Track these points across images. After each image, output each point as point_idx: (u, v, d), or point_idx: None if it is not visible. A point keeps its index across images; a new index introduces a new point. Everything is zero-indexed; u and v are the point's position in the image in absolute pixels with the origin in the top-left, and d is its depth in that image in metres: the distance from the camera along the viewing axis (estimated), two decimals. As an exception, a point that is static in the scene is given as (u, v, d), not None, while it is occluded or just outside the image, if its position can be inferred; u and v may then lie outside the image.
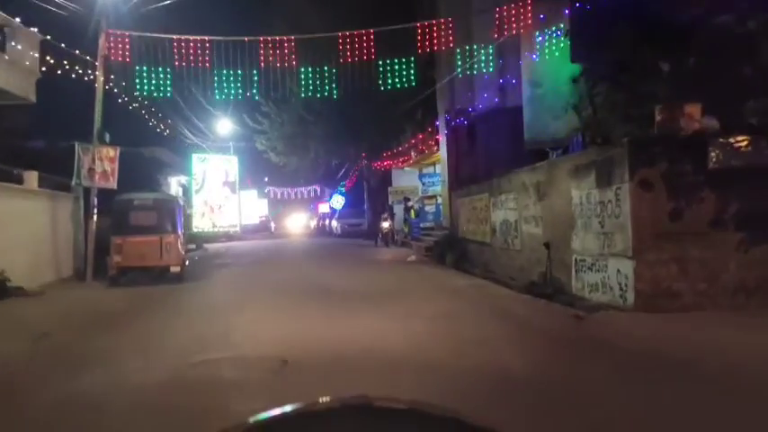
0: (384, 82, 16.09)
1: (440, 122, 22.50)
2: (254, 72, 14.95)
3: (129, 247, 12.68)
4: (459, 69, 17.45)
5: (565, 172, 11.03)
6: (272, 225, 63.40)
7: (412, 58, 15.94)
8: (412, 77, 16.34)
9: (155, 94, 14.47)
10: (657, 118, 8.93)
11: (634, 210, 8.78)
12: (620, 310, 8.78)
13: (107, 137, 14.23)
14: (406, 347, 6.46)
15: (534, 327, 7.77)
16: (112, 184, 14.24)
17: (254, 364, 5.95)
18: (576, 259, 10.62)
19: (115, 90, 24.93)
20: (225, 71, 14.63)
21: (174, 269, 13.06)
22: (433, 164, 28.90)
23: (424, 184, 29.22)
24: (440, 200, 27.26)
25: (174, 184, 38.29)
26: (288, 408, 0.93)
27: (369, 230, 32.96)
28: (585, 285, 10.25)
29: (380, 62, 15.73)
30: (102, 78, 13.91)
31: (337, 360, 5.74)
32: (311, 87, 16.18)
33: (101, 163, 13.79)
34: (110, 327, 8.23)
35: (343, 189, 53.79)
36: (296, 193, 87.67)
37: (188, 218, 35.79)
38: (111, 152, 14.14)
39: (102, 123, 14.10)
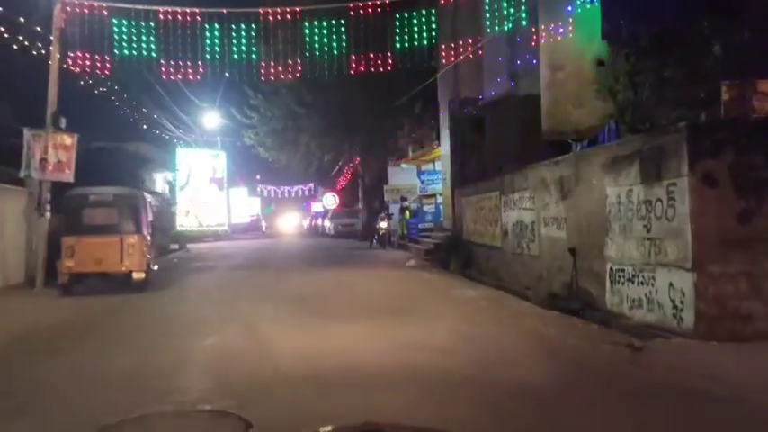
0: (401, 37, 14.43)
1: (442, 114, 20.81)
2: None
3: (82, 249, 10.91)
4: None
5: (597, 165, 9.32)
6: (264, 224, 61.58)
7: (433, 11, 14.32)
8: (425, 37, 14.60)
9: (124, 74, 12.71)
10: (724, 97, 7.21)
11: (695, 210, 7.08)
12: (676, 333, 7.09)
13: (63, 122, 12.43)
14: (422, 401, 4.72)
15: (579, 362, 6.05)
16: (69, 176, 12.44)
17: (200, 426, 4.21)
18: (611, 269, 8.92)
19: (89, 81, 23.27)
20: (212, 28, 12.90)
21: (138, 275, 11.26)
22: (433, 160, 27.17)
23: (422, 182, 27.51)
24: (440, 199, 25.57)
25: (160, 181, 36.51)
26: None
27: (363, 231, 31.24)
28: (624, 300, 8.55)
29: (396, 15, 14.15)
30: (57, 55, 12.13)
31: (329, 421, 3.95)
32: (316, 44, 14.43)
33: (55, 152, 12.01)
34: (30, 358, 6.45)
35: (337, 187, 52.09)
36: (288, 192, 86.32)
37: (171, 216, 34.01)
38: (68, 140, 12.34)
39: (58, 106, 12.28)
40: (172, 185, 33.84)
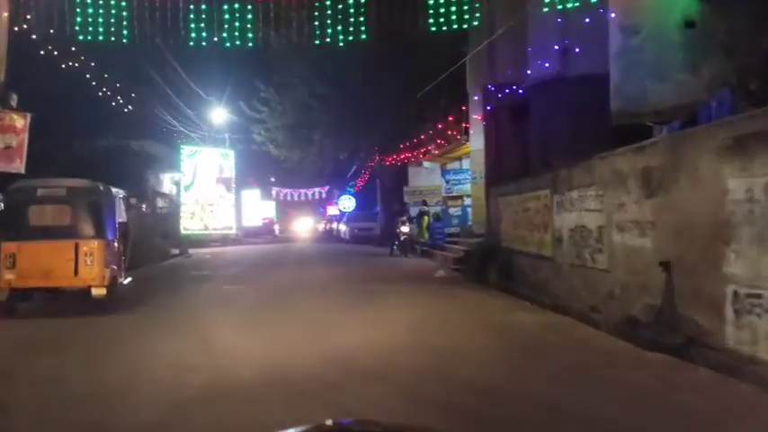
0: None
1: (473, 104, 18.35)
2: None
3: (26, 257, 8.61)
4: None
5: (710, 150, 6.82)
6: (277, 228, 59.32)
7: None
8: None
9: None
10: None
11: None
12: None
13: (14, 99, 10.13)
14: None
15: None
16: (19, 166, 10.16)
17: None
18: (735, 292, 6.42)
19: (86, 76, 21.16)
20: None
21: (97, 291, 8.86)
22: (460, 158, 24.69)
23: (447, 182, 25.03)
24: (467, 200, 23.10)
25: (168, 182, 34.44)
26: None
27: (382, 236, 28.83)
28: (761, 338, 6.02)
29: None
30: (5, 14, 9.85)
31: None
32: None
33: (1, 136, 9.72)
34: None
35: (353, 189, 49.70)
36: (303, 195, 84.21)
37: (175, 219, 31.86)
38: (19, 121, 10.05)
39: (7, 75, 9.95)
40: (178, 186, 31.67)
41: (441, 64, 18.97)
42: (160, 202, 33.46)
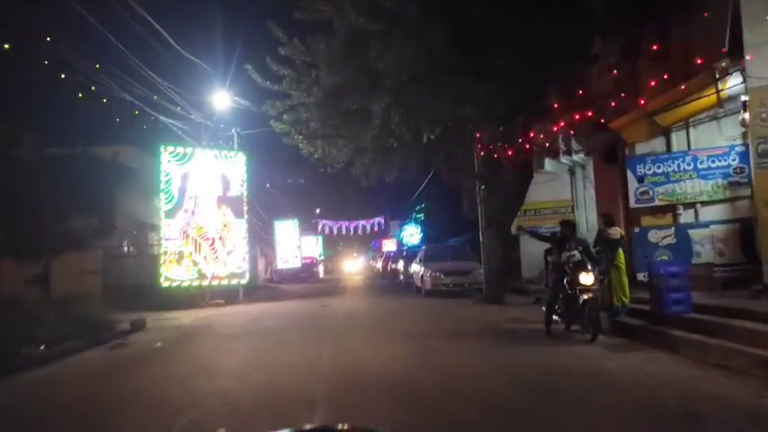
0: None
1: None
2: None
3: None
4: None
5: None
6: (321, 269, 47.67)
7: None
8: None
9: None
10: None
11: None
12: None
13: None
14: None
15: None
16: None
17: None
18: None
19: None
20: None
21: None
22: (686, 121, 12.61)
23: (642, 178, 12.83)
24: (685, 214, 11.14)
25: (148, 202, 23.32)
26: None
27: (492, 288, 16.81)
28: None
29: None
30: None
31: None
32: None
33: None
34: None
35: (421, 215, 37.79)
36: (353, 229, 72.99)
37: (150, 264, 20.78)
38: None
39: None
40: (158, 211, 20.39)
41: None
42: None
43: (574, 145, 20.07)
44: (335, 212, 68.85)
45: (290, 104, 17.16)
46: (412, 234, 41.44)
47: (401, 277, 27.99)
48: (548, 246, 11.53)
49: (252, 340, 11.19)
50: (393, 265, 32.62)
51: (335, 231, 71.14)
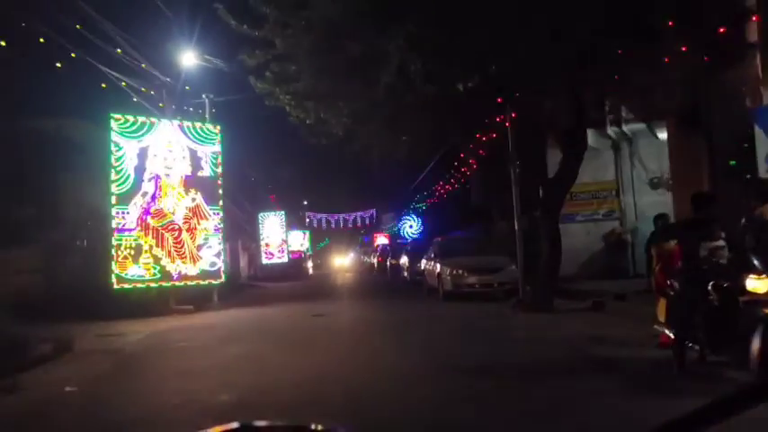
0: None
1: None
2: None
3: None
4: None
5: None
6: (310, 265, 43.94)
7: None
8: None
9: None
10: None
11: None
12: None
13: None
14: None
15: None
16: None
17: None
18: None
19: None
20: None
21: None
22: None
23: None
24: None
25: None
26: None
27: (528, 289, 13.09)
28: None
29: None
30: None
31: None
32: None
33: None
34: None
35: (422, 205, 34.01)
36: (344, 221, 69.29)
37: (96, 260, 17.07)
38: None
39: None
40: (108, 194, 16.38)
41: None
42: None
43: (625, 112, 16.40)
44: (323, 205, 65.00)
45: (275, 54, 13.27)
46: (411, 226, 37.64)
47: (404, 274, 24.16)
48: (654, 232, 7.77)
49: (216, 382, 7.31)
50: (393, 261, 28.75)
51: (324, 225, 67.29)
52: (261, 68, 13.93)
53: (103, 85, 16.37)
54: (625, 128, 16.66)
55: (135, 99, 16.73)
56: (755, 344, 5.98)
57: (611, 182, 18.08)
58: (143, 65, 15.83)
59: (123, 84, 15.85)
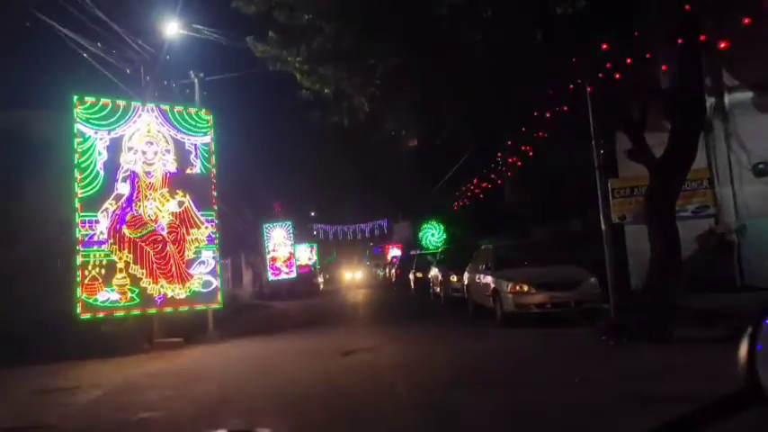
0: None
1: None
2: None
3: None
4: None
5: None
6: (320, 280, 40.48)
7: None
8: None
9: None
10: None
11: None
12: None
13: None
14: None
15: None
16: None
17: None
18: None
19: None
20: None
21: None
22: None
23: None
24: None
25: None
26: None
27: (643, 313, 9.47)
28: None
29: None
30: None
31: None
32: None
33: None
34: None
35: (451, 210, 30.49)
36: (351, 232, 66.01)
37: (54, 279, 13.76)
38: None
39: None
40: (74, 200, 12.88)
41: None
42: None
43: (726, 78, 12.91)
44: (331, 215, 61.94)
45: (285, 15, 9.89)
46: (434, 234, 34.17)
47: (436, 290, 20.54)
48: None
49: None
50: (418, 274, 25.10)
51: (331, 236, 63.99)
52: (262, 25, 10.57)
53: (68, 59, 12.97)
54: (727, 98, 13.14)
55: (109, 77, 13.24)
56: (743, 348, 2.75)
57: (702, 169, 14.41)
58: (117, 29, 12.36)
59: (86, 56, 12.36)
